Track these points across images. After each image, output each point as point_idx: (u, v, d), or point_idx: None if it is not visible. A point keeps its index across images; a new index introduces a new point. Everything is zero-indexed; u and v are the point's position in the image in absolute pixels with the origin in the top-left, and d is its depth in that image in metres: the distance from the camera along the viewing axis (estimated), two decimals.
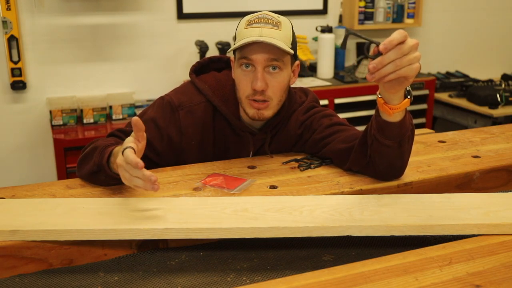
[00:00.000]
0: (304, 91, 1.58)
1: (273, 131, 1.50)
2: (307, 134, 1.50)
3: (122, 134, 1.40)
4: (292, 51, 1.36)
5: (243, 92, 1.38)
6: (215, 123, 1.47)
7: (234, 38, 1.42)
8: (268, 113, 1.39)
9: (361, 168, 1.34)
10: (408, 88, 1.17)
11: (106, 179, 1.25)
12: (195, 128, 1.44)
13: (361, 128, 1.47)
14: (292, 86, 1.49)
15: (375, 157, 1.28)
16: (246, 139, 1.48)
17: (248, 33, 1.33)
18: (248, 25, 1.35)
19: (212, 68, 1.55)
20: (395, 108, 1.16)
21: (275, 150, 1.53)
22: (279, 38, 1.32)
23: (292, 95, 1.52)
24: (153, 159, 1.42)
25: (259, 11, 1.39)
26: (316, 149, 1.48)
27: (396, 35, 1.04)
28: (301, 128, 1.50)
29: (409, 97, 1.17)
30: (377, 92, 1.18)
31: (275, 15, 1.37)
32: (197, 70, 1.53)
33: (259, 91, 1.35)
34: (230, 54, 1.46)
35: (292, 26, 1.40)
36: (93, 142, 1.36)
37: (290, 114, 1.51)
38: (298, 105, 1.53)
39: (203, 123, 1.45)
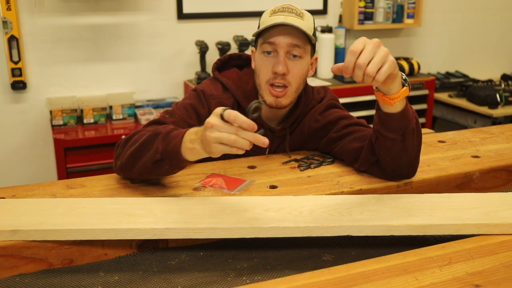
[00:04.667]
0: (324, 88, 1.61)
1: (292, 127, 1.53)
2: (323, 131, 1.51)
3: (167, 118, 1.37)
4: (314, 39, 1.41)
5: (263, 77, 1.42)
6: None
7: (258, 27, 1.45)
8: (286, 101, 1.43)
9: (370, 166, 1.35)
10: (404, 77, 1.18)
11: (169, 168, 1.17)
12: None
13: None
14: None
15: (381, 154, 1.29)
16: (266, 136, 1.50)
17: (273, 20, 1.38)
18: (272, 13, 1.40)
19: (232, 65, 1.58)
20: (395, 98, 1.17)
21: (291, 145, 1.55)
22: (303, 26, 1.37)
23: (309, 92, 1.55)
24: None
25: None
26: (330, 147, 1.49)
27: (352, 48, 1.07)
28: (318, 123, 1.52)
29: (406, 85, 1.18)
30: (374, 87, 1.19)
31: (298, 7, 1.42)
32: (219, 67, 1.56)
33: (280, 75, 1.38)
34: (252, 46, 1.48)
35: (314, 20, 1.44)
36: (137, 133, 1.27)
37: (308, 110, 1.54)
38: (317, 101, 1.55)
39: None
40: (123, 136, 1.32)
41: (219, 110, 1.04)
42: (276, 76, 1.39)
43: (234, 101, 1.49)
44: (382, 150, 1.28)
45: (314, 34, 1.43)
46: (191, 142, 1.10)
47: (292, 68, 1.40)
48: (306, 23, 1.39)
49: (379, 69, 1.07)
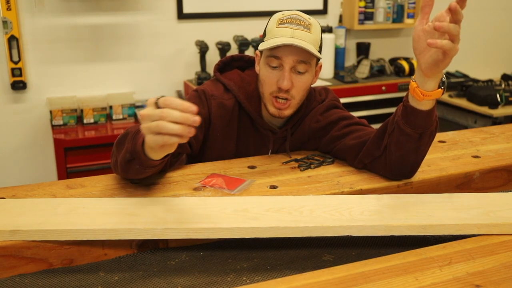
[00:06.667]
0: (325, 89, 1.61)
1: (293, 129, 1.54)
2: (324, 131, 1.51)
3: None
4: (321, 56, 1.40)
5: (267, 89, 1.42)
6: (240, 120, 1.50)
7: (264, 35, 1.45)
8: (289, 112, 1.44)
9: (373, 159, 1.34)
10: (443, 79, 1.18)
11: (140, 168, 1.16)
12: (222, 120, 1.47)
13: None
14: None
15: (391, 147, 1.28)
16: (267, 137, 1.52)
17: (280, 33, 1.36)
18: (279, 24, 1.38)
19: (234, 66, 1.58)
20: (427, 95, 1.16)
21: (291, 145, 1.55)
22: (310, 41, 1.36)
23: (311, 93, 1.55)
24: (191, 142, 1.41)
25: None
26: (331, 147, 1.50)
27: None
28: (319, 123, 1.52)
29: (442, 87, 1.18)
30: (412, 77, 1.19)
31: (306, 17, 1.40)
32: (221, 68, 1.56)
33: (284, 90, 1.38)
34: (253, 47, 1.48)
35: (321, 28, 1.43)
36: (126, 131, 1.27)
37: (309, 111, 1.54)
38: (318, 103, 1.55)
39: (230, 117, 1.48)
40: None
41: (153, 99, 1.00)
42: (280, 90, 1.39)
43: (235, 102, 1.48)
44: (394, 145, 1.28)
45: (321, 44, 1.42)
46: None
47: (296, 82, 1.39)
48: (314, 36, 1.37)
49: (454, 39, 1.05)
